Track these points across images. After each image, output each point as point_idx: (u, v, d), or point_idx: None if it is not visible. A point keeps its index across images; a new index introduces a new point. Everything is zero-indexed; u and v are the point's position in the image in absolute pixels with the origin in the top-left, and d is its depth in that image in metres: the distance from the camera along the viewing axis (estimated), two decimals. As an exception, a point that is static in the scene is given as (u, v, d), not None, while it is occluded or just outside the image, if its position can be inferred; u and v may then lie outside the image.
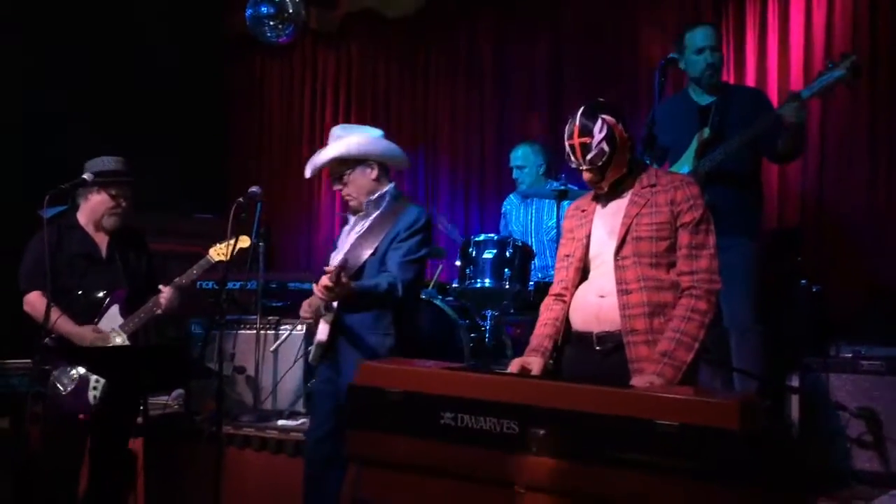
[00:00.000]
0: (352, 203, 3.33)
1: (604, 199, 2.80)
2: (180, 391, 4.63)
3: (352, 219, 3.38)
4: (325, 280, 2.93)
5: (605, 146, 2.61)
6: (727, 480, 2.00)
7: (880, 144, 4.60)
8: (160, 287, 3.66)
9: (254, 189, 3.43)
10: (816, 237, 4.65)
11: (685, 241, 2.63)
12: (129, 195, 3.68)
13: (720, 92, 3.80)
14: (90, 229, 3.68)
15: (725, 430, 2.02)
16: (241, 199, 3.34)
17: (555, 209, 4.54)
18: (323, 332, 3.24)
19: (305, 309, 3.22)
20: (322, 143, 7.00)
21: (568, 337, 2.76)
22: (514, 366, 2.73)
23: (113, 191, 3.63)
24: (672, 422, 2.06)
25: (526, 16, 6.03)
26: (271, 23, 6.06)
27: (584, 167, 2.67)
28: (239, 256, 3.55)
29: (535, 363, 2.70)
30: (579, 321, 2.73)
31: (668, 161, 3.83)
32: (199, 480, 3.85)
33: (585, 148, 2.62)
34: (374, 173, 3.30)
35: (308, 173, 3.37)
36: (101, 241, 3.69)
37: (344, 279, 2.94)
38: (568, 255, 2.84)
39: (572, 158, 2.68)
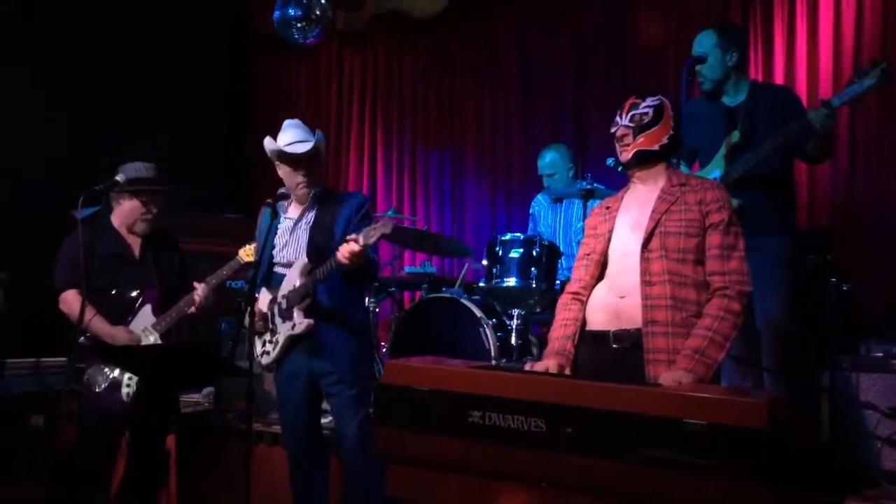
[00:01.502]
0: (304, 192, 3.47)
1: (631, 192, 2.82)
2: (211, 389, 4.69)
3: (290, 214, 3.52)
4: (353, 247, 3.13)
5: (649, 112, 2.74)
6: (756, 479, 2.00)
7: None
8: (194, 285, 3.72)
9: (282, 191, 3.47)
10: (846, 236, 4.61)
11: (716, 241, 2.64)
12: (160, 202, 3.76)
13: (748, 92, 3.77)
14: (123, 231, 3.75)
15: (754, 429, 2.02)
16: (269, 200, 3.39)
17: (583, 209, 4.54)
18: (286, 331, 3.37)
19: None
20: (348, 143, 7.07)
21: (583, 336, 2.76)
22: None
23: (144, 198, 3.71)
24: (701, 420, 2.06)
25: (550, 15, 6.03)
26: (299, 24, 6.09)
27: (623, 122, 2.77)
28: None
29: (556, 369, 2.70)
30: (597, 321, 2.73)
31: (697, 162, 3.81)
32: (230, 477, 3.90)
33: (633, 107, 2.76)
34: (321, 169, 3.55)
35: (306, 147, 3.43)
36: (134, 242, 3.76)
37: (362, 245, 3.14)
38: (588, 254, 2.84)
39: (617, 119, 2.79)
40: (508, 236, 4.49)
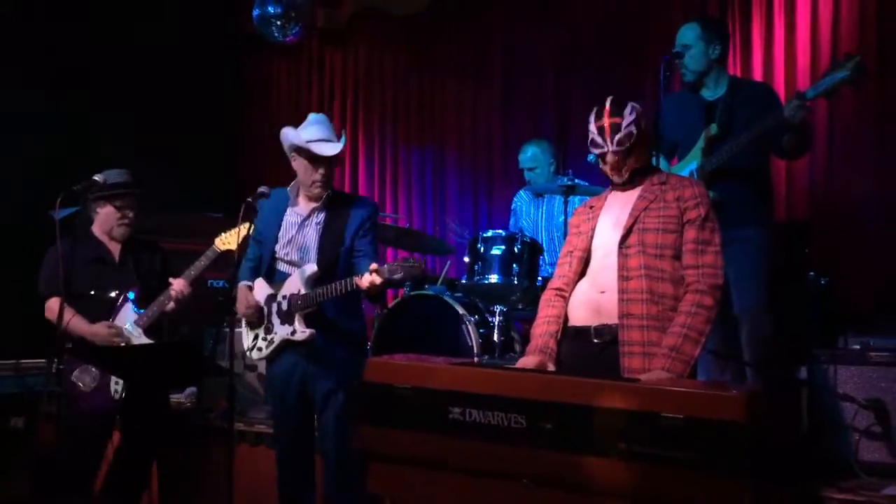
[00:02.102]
0: (319, 191, 3.41)
1: (615, 193, 2.85)
2: (193, 389, 4.68)
3: (299, 209, 3.46)
4: (376, 279, 3.07)
5: (633, 129, 2.70)
6: (733, 472, 2.02)
7: (888, 136, 4.58)
8: (170, 281, 3.72)
9: (263, 189, 3.44)
10: (824, 229, 4.62)
11: (691, 236, 2.68)
12: (135, 205, 3.80)
13: (728, 87, 3.79)
14: (104, 239, 3.81)
15: (731, 422, 2.04)
16: (249, 198, 3.37)
17: (563, 205, 4.56)
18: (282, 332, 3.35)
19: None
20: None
21: (566, 332, 2.78)
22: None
23: (118, 202, 3.76)
24: (678, 415, 2.08)
25: (531, 13, 6.03)
26: (278, 22, 6.09)
27: (612, 149, 2.71)
28: (245, 244, 3.55)
29: (538, 366, 2.71)
30: (579, 317, 2.76)
31: (676, 156, 3.84)
32: (212, 476, 3.89)
33: (615, 128, 2.70)
34: None
35: (335, 150, 3.38)
36: (114, 248, 3.81)
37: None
38: (571, 251, 2.87)
39: (599, 140, 2.73)
40: (490, 233, 4.50)
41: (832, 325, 3.86)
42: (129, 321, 3.66)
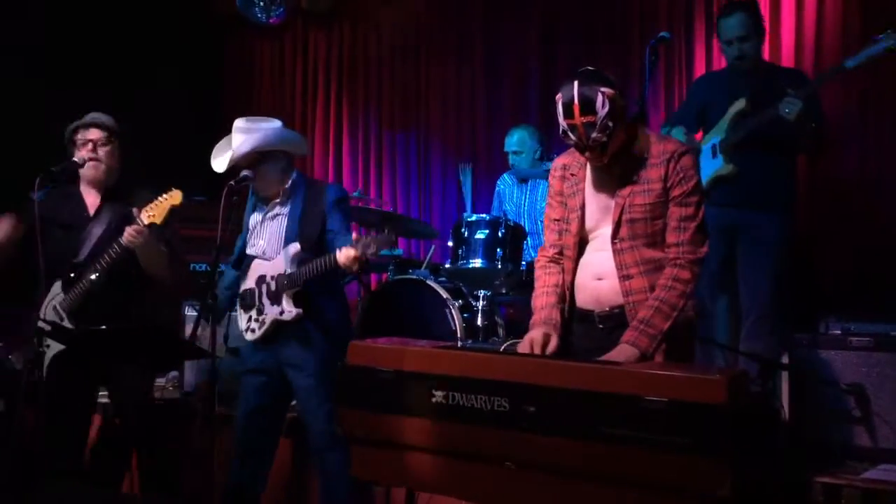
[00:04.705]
0: (262, 193, 3.46)
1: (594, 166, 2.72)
2: (175, 373, 4.65)
3: (257, 208, 3.52)
4: (350, 252, 3.14)
5: (609, 123, 2.52)
6: (716, 456, 2.02)
7: (870, 119, 4.57)
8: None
9: (245, 172, 3.41)
10: (806, 211, 4.62)
11: (675, 214, 2.62)
12: (103, 141, 3.58)
13: (763, 69, 3.88)
14: (86, 191, 3.63)
15: (713, 405, 2.04)
16: (232, 182, 3.33)
17: (548, 190, 4.54)
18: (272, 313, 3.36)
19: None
20: (314, 124, 7.02)
21: (573, 313, 2.76)
22: (526, 344, 2.65)
23: (78, 137, 3.57)
24: (661, 398, 2.08)
25: (518, -5, 6.01)
26: (262, 3, 6.03)
27: (589, 145, 2.56)
28: (172, 216, 3.44)
29: (549, 340, 2.64)
30: (581, 300, 2.75)
31: (702, 129, 3.94)
32: (194, 460, 3.87)
33: (590, 127, 2.52)
34: (283, 164, 3.45)
35: (223, 167, 3.45)
36: (92, 203, 3.63)
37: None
38: (559, 220, 2.82)
39: (572, 137, 2.57)
40: (474, 217, 4.50)
41: (813, 309, 3.89)
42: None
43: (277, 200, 3.46)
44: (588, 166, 2.75)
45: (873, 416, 3.28)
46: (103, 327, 3.45)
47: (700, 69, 5.07)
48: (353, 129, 6.79)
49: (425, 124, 6.47)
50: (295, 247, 3.35)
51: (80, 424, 3.60)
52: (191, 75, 6.64)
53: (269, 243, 3.44)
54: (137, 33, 6.10)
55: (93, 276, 3.41)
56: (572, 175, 2.79)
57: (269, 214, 3.47)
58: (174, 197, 3.35)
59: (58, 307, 3.48)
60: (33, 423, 3.45)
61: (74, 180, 3.65)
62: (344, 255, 3.17)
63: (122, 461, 3.79)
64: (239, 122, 3.48)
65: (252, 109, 7.16)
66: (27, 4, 5.60)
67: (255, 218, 3.53)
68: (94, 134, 3.59)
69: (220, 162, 3.45)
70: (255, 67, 7.26)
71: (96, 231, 3.56)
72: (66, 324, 3.44)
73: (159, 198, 3.37)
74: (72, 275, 3.47)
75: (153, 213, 3.35)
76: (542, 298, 2.77)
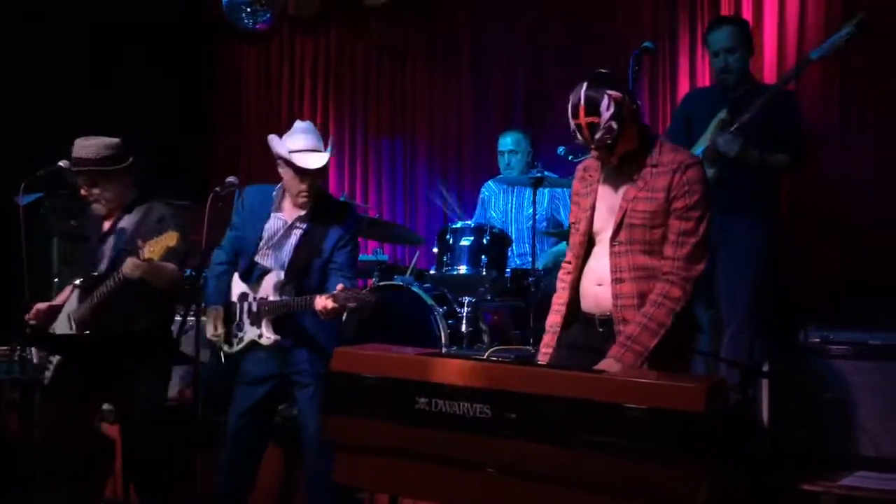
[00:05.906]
0: (304, 201, 3.37)
1: (609, 168, 2.77)
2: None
3: (284, 215, 3.44)
4: (328, 303, 3.10)
5: (613, 124, 2.57)
6: (695, 463, 2.05)
7: (851, 125, 4.58)
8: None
9: (231, 179, 3.41)
10: (786, 218, 4.64)
11: (675, 227, 2.64)
12: (90, 183, 3.51)
13: (750, 83, 3.91)
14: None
15: (692, 413, 2.07)
16: (217, 188, 3.34)
17: (533, 196, 4.57)
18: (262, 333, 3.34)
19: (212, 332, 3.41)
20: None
21: (577, 316, 2.81)
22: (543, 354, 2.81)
23: (79, 180, 3.54)
24: (640, 405, 2.11)
25: (503, 2, 6.03)
26: (248, 9, 6.04)
27: (594, 145, 2.64)
28: (169, 253, 3.43)
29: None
30: (584, 305, 2.80)
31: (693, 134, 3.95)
32: (178, 465, 3.87)
33: (593, 127, 2.58)
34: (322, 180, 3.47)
35: (319, 163, 3.34)
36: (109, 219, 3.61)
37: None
38: (575, 223, 2.87)
39: (579, 137, 2.64)
40: (459, 224, 4.53)
41: (792, 316, 3.92)
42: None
43: (302, 214, 3.40)
44: (601, 168, 2.81)
45: (851, 424, 3.32)
46: (88, 333, 3.47)
47: (684, 81, 5.11)
48: (340, 134, 6.79)
49: (411, 130, 6.48)
50: (279, 275, 3.34)
51: (77, 434, 3.58)
52: (178, 81, 6.63)
53: (276, 259, 3.40)
54: (125, 37, 6.09)
55: (104, 290, 3.43)
56: (590, 176, 2.85)
57: (290, 225, 3.41)
58: (171, 238, 3.31)
59: (70, 316, 3.50)
60: (18, 430, 3.45)
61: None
62: (322, 303, 3.14)
63: (106, 465, 3.79)
64: (302, 124, 3.45)
65: (240, 115, 7.19)
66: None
67: (274, 225, 3.44)
68: (80, 180, 3.52)
69: (317, 158, 3.33)
70: (242, 73, 7.26)
71: (115, 244, 3.56)
72: (74, 332, 3.46)
73: (159, 237, 3.30)
74: (87, 286, 3.49)
75: (153, 248, 3.32)
76: (552, 317, 2.87)
